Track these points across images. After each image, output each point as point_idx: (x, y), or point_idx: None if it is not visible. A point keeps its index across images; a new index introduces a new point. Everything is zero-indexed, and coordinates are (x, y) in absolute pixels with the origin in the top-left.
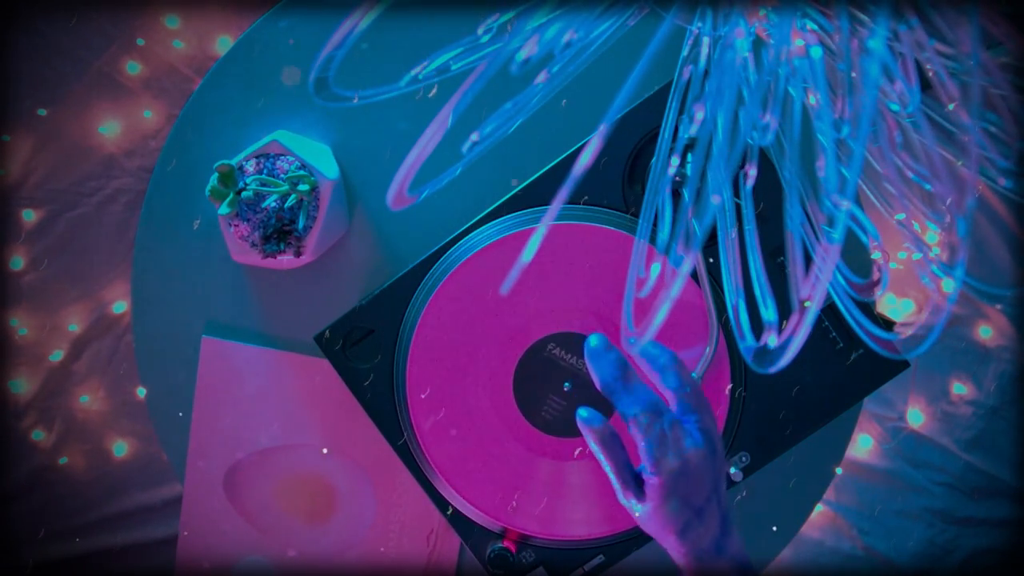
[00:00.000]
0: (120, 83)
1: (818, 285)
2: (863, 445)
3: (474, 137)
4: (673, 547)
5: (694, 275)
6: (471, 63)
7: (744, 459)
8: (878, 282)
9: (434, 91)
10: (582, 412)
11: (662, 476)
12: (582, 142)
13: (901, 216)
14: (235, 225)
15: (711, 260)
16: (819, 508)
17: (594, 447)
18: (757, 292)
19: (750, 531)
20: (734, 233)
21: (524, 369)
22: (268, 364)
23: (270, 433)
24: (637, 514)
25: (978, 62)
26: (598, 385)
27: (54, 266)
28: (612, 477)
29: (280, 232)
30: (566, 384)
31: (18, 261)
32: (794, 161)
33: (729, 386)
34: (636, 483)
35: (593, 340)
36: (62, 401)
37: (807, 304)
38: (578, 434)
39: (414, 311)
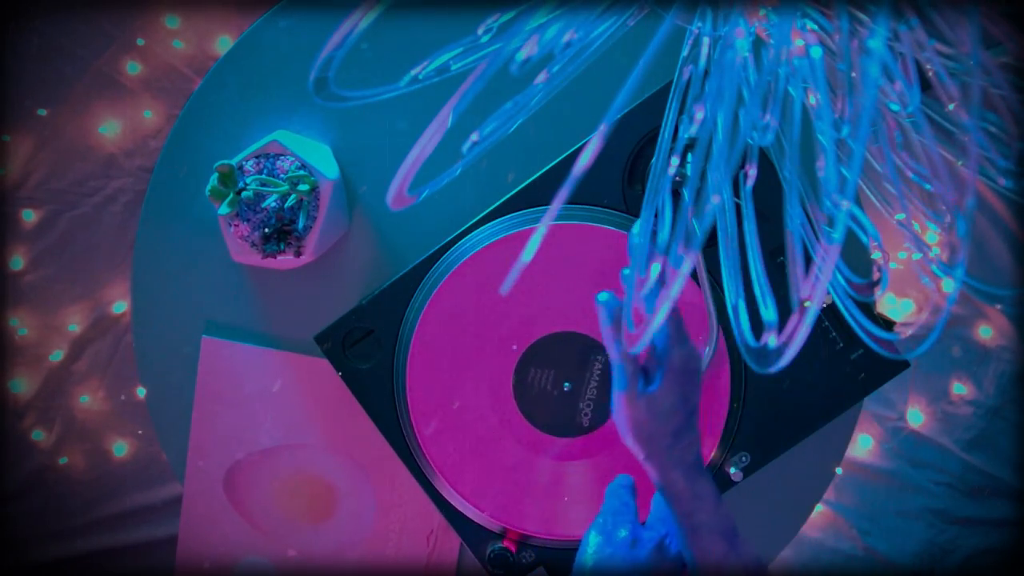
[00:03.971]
0: (120, 83)
1: (818, 285)
2: (863, 445)
3: (474, 137)
4: (662, 453)
5: (694, 275)
6: (471, 63)
7: (744, 459)
8: (878, 282)
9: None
10: (602, 295)
11: (673, 361)
12: (582, 142)
13: (901, 216)
14: (235, 225)
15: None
16: (819, 508)
17: (607, 328)
18: (757, 292)
19: (750, 531)
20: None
21: (524, 369)
22: (268, 364)
23: (270, 433)
24: (634, 408)
25: (978, 62)
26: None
27: (54, 266)
28: (619, 360)
29: (280, 232)
30: (566, 384)
31: (18, 261)
32: (794, 161)
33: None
34: (642, 371)
35: (638, 228)
36: (62, 401)
37: (807, 304)
38: (577, 434)
39: (414, 311)
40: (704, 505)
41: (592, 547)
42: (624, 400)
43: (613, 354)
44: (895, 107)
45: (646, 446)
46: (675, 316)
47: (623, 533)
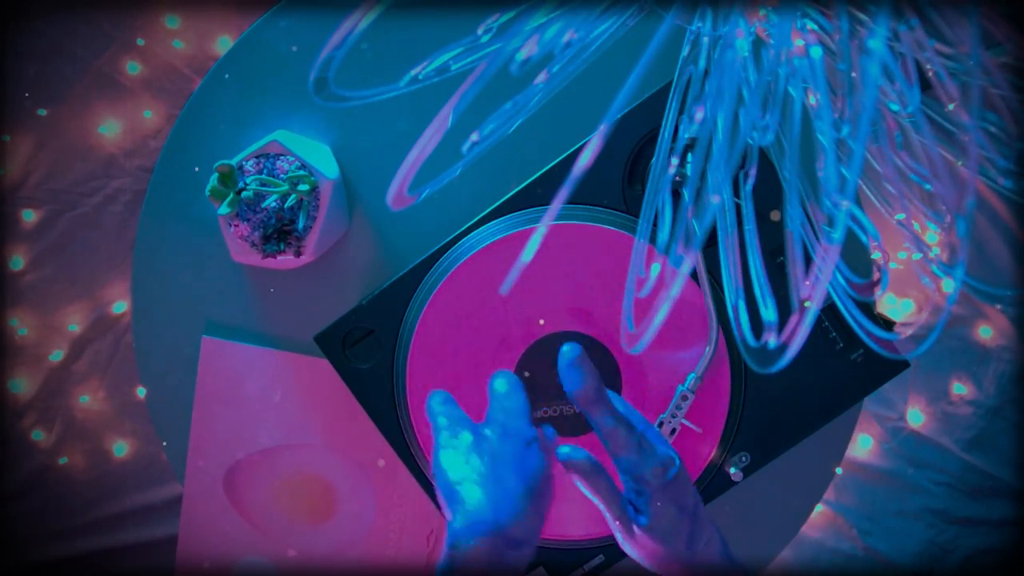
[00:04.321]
0: (120, 83)
1: (818, 285)
2: (863, 445)
3: (474, 137)
4: (686, 562)
5: (694, 275)
6: (471, 63)
7: (744, 459)
8: (878, 282)
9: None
10: (563, 450)
11: (652, 484)
12: (582, 142)
13: (901, 216)
14: (235, 225)
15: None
16: (819, 508)
17: (581, 484)
18: (757, 292)
19: (750, 531)
20: (735, 234)
21: (523, 369)
22: (268, 364)
23: (270, 433)
24: (640, 542)
25: (978, 62)
26: (576, 395)
27: (54, 266)
28: (606, 508)
29: (280, 232)
30: None
31: (18, 261)
32: (794, 161)
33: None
34: (629, 506)
35: (569, 351)
36: (62, 401)
37: (807, 304)
38: (577, 434)
39: (414, 311)
40: None
41: (447, 463)
42: (629, 544)
43: (599, 503)
44: (895, 107)
45: (670, 566)
46: (633, 437)
47: (468, 436)
